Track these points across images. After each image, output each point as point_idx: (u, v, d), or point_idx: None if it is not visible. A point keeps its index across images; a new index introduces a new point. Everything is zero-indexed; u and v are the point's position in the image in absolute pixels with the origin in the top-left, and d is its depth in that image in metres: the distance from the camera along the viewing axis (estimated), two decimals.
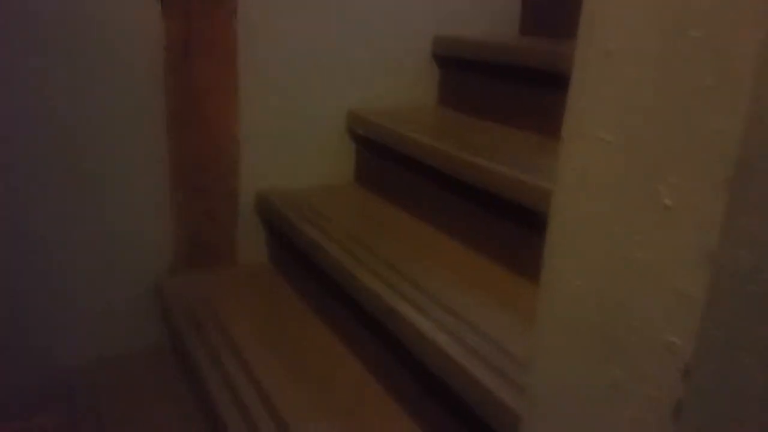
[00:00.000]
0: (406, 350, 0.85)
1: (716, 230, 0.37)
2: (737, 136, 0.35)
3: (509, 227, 1.00)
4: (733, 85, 0.36)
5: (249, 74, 1.23)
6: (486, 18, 1.46)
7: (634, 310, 0.44)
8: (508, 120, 1.27)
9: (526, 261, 0.97)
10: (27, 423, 1.21)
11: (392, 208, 1.26)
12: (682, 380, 0.40)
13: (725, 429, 0.44)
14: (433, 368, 0.79)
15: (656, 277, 0.42)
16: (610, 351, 0.46)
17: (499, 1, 1.47)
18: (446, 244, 1.11)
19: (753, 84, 0.35)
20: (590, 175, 0.47)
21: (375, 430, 0.89)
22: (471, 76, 1.35)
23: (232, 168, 1.27)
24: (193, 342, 1.07)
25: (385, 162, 1.30)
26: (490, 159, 0.99)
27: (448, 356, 0.75)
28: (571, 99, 0.48)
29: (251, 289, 1.25)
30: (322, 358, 1.04)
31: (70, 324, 1.22)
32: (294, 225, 1.15)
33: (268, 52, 1.24)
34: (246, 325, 1.12)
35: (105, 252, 1.22)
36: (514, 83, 1.24)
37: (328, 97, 1.32)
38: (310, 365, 1.02)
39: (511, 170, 0.93)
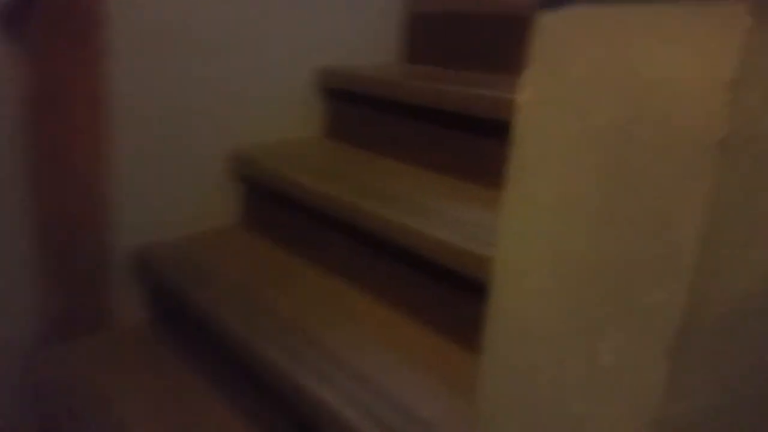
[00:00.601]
0: (312, 426, 0.80)
1: (658, 392, 0.36)
2: (679, 307, 0.35)
3: (420, 279, 0.98)
4: (673, 257, 0.35)
5: (121, 119, 1.11)
6: (373, 47, 1.44)
7: None
8: (395, 153, 1.25)
9: (440, 316, 0.95)
10: None
11: (288, 257, 1.20)
12: None
13: None
14: None
15: None
16: None
17: (385, 30, 1.45)
18: (353, 297, 1.06)
19: (695, 254, 0.34)
20: (529, 321, 0.45)
21: None
22: (358, 109, 1.32)
23: (105, 223, 1.15)
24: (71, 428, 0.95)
25: (274, 205, 1.24)
26: (385, 205, 0.96)
27: None
28: (501, 241, 0.46)
29: (135, 359, 1.14)
30: None
31: None
32: (178, 286, 1.06)
33: (142, 93, 1.12)
34: (133, 403, 1.01)
35: None
36: (399, 116, 1.23)
37: (210, 136, 1.24)
38: None
39: (407, 218, 0.91)
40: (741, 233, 0.37)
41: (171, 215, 1.23)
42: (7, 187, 1.04)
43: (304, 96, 1.35)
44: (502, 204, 0.46)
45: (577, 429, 0.42)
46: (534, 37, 0.43)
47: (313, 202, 1.07)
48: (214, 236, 1.26)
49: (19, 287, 1.10)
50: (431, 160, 1.19)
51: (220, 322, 0.95)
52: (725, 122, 0.33)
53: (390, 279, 1.01)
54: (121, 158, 1.12)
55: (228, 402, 1.02)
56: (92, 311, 1.18)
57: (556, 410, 0.43)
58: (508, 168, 0.46)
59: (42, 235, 1.09)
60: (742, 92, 0.33)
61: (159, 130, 1.16)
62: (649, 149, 0.37)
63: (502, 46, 1.27)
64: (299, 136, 1.37)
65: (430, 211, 0.95)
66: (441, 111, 1.13)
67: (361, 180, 1.10)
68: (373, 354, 0.87)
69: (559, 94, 0.42)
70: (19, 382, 1.14)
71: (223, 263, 1.14)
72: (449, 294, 0.92)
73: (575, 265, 0.41)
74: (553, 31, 0.42)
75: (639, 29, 0.37)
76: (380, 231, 0.95)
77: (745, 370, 0.42)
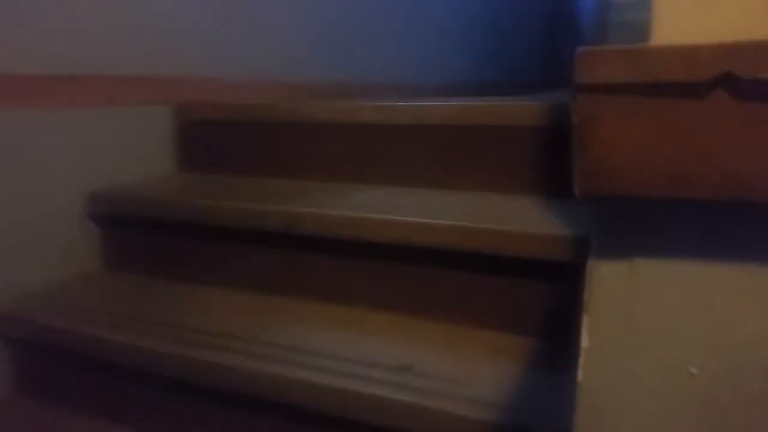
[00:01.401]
0: None
1: None
2: None
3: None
4: None
5: None
6: (148, 159, 1.24)
7: None
8: (193, 278, 1.08)
9: None
10: None
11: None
12: None
13: None
14: None
15: None
16: None
17: (160, 141, 1.27)
18: None
19: None
20: None
21: None
22: (136, 232, 1.12)
23: None
24: None
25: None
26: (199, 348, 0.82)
27: None
28: None
29: None
30: None
31: None
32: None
33: None
34: None
35: None
36: (183, 236, 1.08)
37: None
38: None
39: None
40: None
41: None
42: None
43: (72, 227, 1.09)
44: None
45: None
46: (589, 286, 0.39)
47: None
48: None
49: None
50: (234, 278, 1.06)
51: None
52: None
53: None
54: None
55: None
56: None
57: None
58: (572, 419, 0.41)
59: None
60: None
61: None
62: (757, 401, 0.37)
63: (282, 151, 1.21)
64: (72, 272, 1.10)
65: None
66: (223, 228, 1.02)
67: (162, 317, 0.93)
68: None
69: (634, 343, 0.39)
70: None
71: None
72: None
73: None
74: (615, 282, 0.38)
75: (720, 285, 0.36)
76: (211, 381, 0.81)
77: None
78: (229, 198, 1.03)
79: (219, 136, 1.28)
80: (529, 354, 0.78)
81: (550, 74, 5.83)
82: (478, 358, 0.77)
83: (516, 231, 0.81)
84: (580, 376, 0.39)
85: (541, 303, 0.82)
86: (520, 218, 0.86)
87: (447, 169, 1.07)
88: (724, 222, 0.32)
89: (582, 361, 0.39)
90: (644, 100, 0.28)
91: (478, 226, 0.83)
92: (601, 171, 0.30)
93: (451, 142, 1.06)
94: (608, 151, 0.30)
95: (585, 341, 0.39)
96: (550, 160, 1.00)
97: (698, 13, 0.47)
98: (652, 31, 0.49)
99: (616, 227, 0.35)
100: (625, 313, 0.37)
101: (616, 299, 0.38)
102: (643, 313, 0.37)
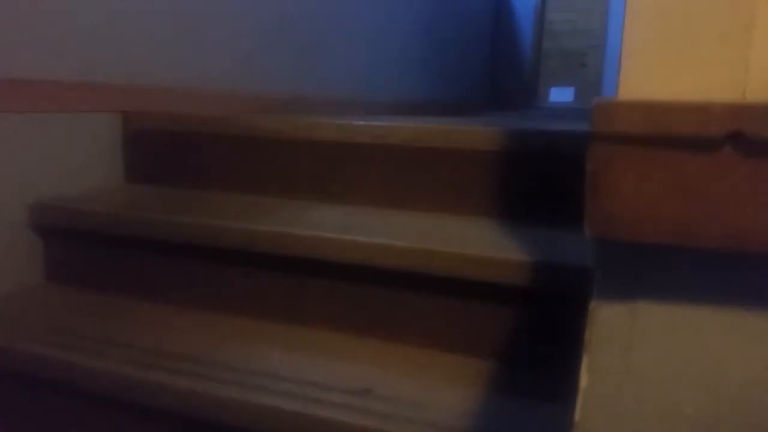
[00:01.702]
0: None
1: None
2: None
3: None
4: None
5: None
6: (95, 169, 1.20)
7: None
8: (143, 295, 1.05)
9: None
10: None
11: None
12: None
13: None
14: None
15: None
16: None
17: (107, 151, 1.23)
18: None
19: None
20: None
21: None
22: (81, 246, 1.08)
23: None
24: None
25: None
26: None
27: None
28: None
29: None
30: None
31: None
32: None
33: None
34: None
35: None
36: (129, 250, 1.04)
37: None
38: None
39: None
40: None
41: None
42: None
43: (11, 235, 1.03)
44: None
45: None
46: (590, 326, 0.40)
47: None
48: None
49: None
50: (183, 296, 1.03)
51: None
52: None
53: None
54: None
55: None
56: None
57: None
58: None
59: None
60: None
61: None
62: None
63: (232, 163, 1.19)
64: (10, 285, 1.04)
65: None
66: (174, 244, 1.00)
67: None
68: None
69: (632, 385, 0.40)
70: None
71: None
72: None
73: None
74: (616, 323, 0.39)
75: (718, 329, 0.38)
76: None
77: None
78: (181, 212, 1.01)
79: (172, 148, 1.25)
80: (490, 377, 0.79)
81: (492, 95, 6.04)
82: (440, 382, 0.78)
83: (475, 254, 0.82)
84: (577, 416, 0.40)
85: (501, 326, 0.84)
86: (478, 241, 0.87)
87: (405, 190, 1.08)
88: (724, 269, 0.34)
89: (580, 400, 0.40)
90: (657, 152, 0.30)
91: (438, 249, 0.84)
92: (612, 216, 0.32)
93: (409, 162, 1.07)
94: (620, 198, 0.31)
95: (584, 381, 0.40)
96: (505, 184, 1.02)
97: (663, 72, 0.50)
98: (619, 85, 0.52)
99: (619, 270, 0.36)
100: (624, 354, 0.38)
101: (616, 340, 0.39)
102: (641, 354, 0.38)
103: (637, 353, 0.39)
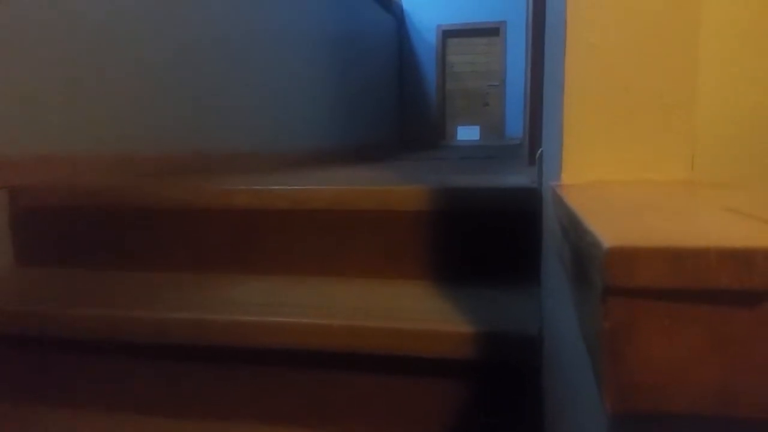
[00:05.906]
0: None
1: None
2: None
3: None
4: None
5: None
6: None
7: None
8: (43, 401, 0.91)
9: None
10: None
11: None
12: None
13: None
14: None
15: None
16: None
17: None
18: None
19: None
20: None
21: None
22: None
23: None
24: None
25: None
26: None
27: None
28: None
29: None
30: None
31: None
32: None
33: None
34: None
35: None
36: (25, 352, 0.92)
37: None
38: None
39: None
40: None
41: None
42: None
43: None
44: None
45: None
46: None
47: None
48: None
49: None
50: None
51: None
52: None
53: None
54: None
55: None
56: None
57: None
58: None
59: None
60: None
61: None
62: None
63: (136, 238, 1.09)
64: None
65: None
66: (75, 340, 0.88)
67: None
68: None
69: None
70: None
71: None
72: None
73: None
74: None
75: None
76: None
77: None
78: (80, 301, 0.89)
79: (67, 225, 1.11)
80: None
81: (403, 136, 6.19)
82: None
83: (411, 328, 0.77)
84: None
85: (447, 403, 0.78)
86: (416, 311, 0.82)
87: (332, 256, 1.02)
88: None
89: None
90: (688, 308, 0.26)
91: (373, 325, 0.78)
92: (639, 386, 0.27)
93: (334, 227, 1.01)
94: (648, 364, 0.26)
95: None
96: (436, 244, 0.98)
97: (607, 150, 0.48)
98: (562, 168, 0.49)
99: None
100: None
101: None
102: None
103: None
